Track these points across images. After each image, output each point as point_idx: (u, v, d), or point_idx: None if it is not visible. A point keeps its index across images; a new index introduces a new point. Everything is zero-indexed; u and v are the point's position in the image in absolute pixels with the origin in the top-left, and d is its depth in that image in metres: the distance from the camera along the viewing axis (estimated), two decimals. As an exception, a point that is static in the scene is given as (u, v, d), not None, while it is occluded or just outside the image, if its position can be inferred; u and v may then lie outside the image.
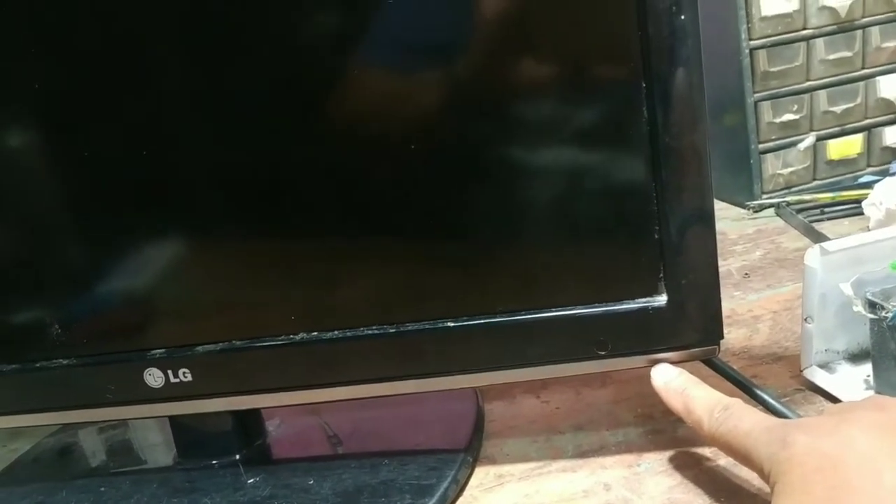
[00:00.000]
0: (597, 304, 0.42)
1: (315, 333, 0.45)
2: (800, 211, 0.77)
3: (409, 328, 0.43)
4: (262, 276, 0.46)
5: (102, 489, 0.50)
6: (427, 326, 0.43)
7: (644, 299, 0.41)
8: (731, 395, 0.40)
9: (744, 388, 0.43)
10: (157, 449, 0.54)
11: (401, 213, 0.43)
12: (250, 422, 0.51)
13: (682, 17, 0.37)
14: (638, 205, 0.40)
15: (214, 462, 0.50)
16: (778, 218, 0.79)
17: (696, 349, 0.42)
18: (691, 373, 0.42)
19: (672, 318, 0.41)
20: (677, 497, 0.40)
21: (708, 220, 0.40)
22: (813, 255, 0.45)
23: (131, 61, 0.42)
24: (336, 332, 0.44)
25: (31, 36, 0.43)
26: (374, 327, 0.44)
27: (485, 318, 0.42)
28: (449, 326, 0.43)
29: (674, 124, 0.38)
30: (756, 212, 0.81)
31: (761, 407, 0.41)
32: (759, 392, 0.42)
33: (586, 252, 0.42)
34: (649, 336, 0.42)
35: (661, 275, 0.41)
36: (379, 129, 0.42)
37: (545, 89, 0.40)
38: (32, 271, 0.47)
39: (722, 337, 0.41)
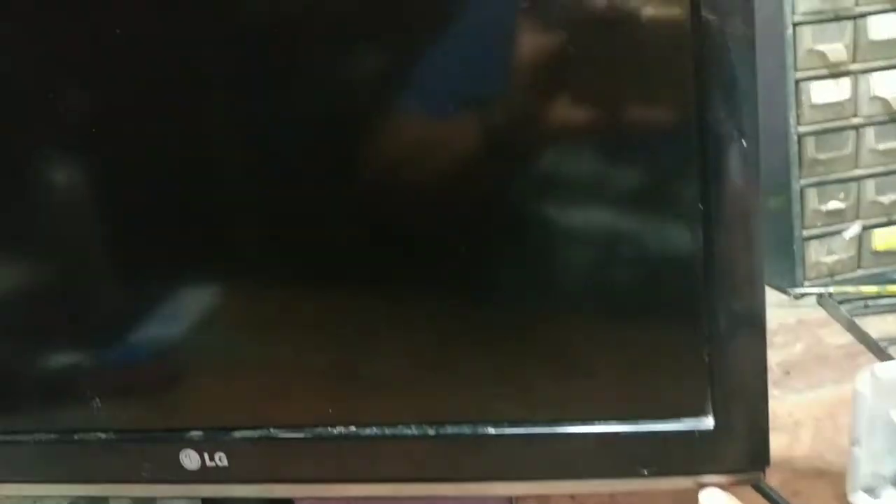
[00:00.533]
0: (641, 421, 0.41)
1: (353, 428, 0.44)
2: (843, 302, 0.76)
3: (449, 431, 0.43)
4: (301, 365, 0.46)
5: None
6: (467, 431, 0.43)
7: (690, 420, 0.40)
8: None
9: None
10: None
11: (436, 281, 0.42)
12: (281, 504, 0.51)
13: (741, 88, 0.36)
14: (687, 322, 0.40)
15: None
16: (820, 308, 0.78)
17: (742, 474, 0.41)
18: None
19: (719, 442, 0.40)
20: None
21: (760, 340, 0.39)
22: (864, 381, 0.44)
23: (177, 110, 0.43)
24: (374, 429, 0.44)
25: (80, 81, 0.43)
26: (412, 427, 0.43)
27: (526, 428, 0.42)
28: (489, 433, 0.42)
29: (730, 236, 0.38)
30: (797, 299, 0.80)
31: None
32: None
33: (631, 369, 0.41)
34: (694, 458, 0.41)
35: (709, 394, 0.40)
36: (413, 181, 0.42)
37: (591, 147, 0.39)
38: (76, 345, 0.48)
39: (768, 463, 0.41)
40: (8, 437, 0.49)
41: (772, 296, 0.82)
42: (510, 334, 0.43)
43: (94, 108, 0.44)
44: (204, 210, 0.44)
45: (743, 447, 0.40)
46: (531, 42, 0.39)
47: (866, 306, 0.75)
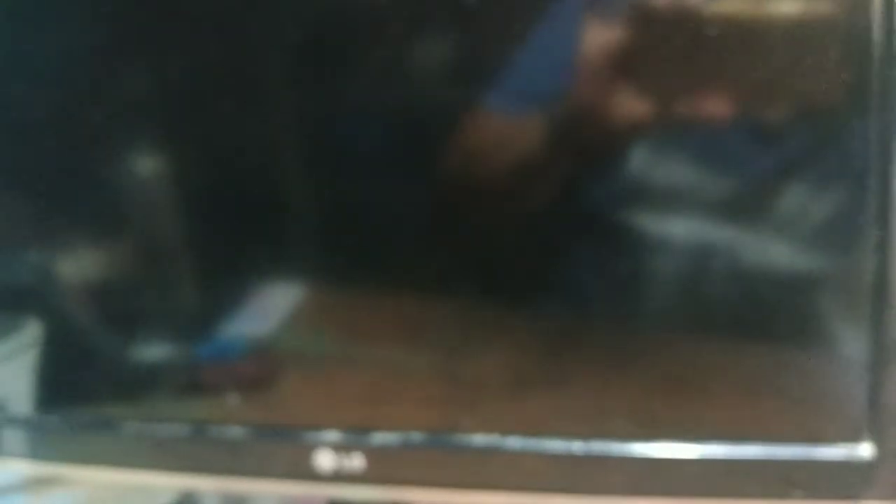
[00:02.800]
0: (798, 444, 0.41)
1: (496, 436, 0.44)
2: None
3: (593, 448, 0.43)
4: (436, 373, 0.46)
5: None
6: (613, 445, 0.43)
7: (845, 445, 0.40)
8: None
9: None
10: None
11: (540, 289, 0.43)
12: (404, 510, 0.51)
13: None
14: (849, 350, 0.39)
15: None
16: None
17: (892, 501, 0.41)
18: None
19: (872, 469, 0.40)
20: None
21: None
22: None
23: (267, 108, 0.44)
24: (517, 439, 0.44)
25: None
26: (557, 440, 0.43)
27: (671, 443, 0.42)
28: (632, 449, 0.42)
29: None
30: None
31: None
32: None
33: (788, 391, 0.41)
34: (846, 483, 0.41)
35: (867, 423, 0.40)
36: (514, 188, 0.42)
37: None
38: (216, 349, 0.48)
39: (923, 492, 0.40)
40: (142, 427, 0.49)
41: None
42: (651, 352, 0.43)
43: (185, 108, 0.45)
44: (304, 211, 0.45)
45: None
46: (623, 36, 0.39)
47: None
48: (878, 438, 0.40)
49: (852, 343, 0.40)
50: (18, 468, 0.56)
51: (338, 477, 0.47)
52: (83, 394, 0.52)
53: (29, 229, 0.51)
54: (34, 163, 0.49)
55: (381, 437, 0.46)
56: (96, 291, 0.51)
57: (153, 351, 0.51)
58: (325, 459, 0.47)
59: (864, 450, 0.40)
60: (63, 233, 0.50)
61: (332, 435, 0.46)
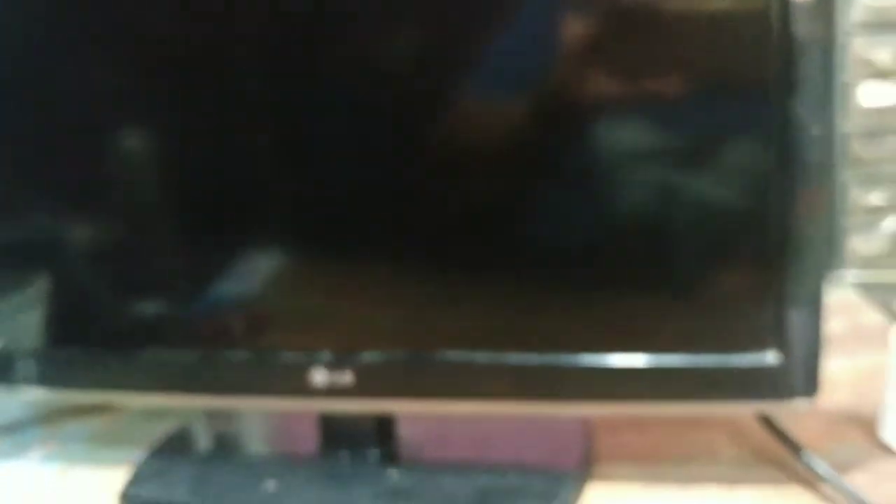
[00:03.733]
0: (719, 354, 0.49)
1: (468, 353, 0.52)
2: (878, 288, 0.83)
3: (545, 359, 0.51)
4: (418, 299, 0.54)
5: (259, 467, 0.58)
6: (566, 357, 0.50)
7: (757, 353, 0.48)
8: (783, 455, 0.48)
9: (795, 450, 0.52)
10: (300, 439, 0.62)
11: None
12: (387, 424, 0.59)
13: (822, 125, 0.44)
14: (758, 264, 0.47)
15: (355, 455, 0.58)
16: (856, 295, 0.85)
17: (795, 399, 0.49)
18: (748, 424, 0.50)
19: (780, 372, 0.48)
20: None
21: (818, 293, 0.47)
22: (899, 333, 0.52)
23: (257, 83, 0.52)
24: (485, 354, 0.52)
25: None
26: (520, 353, 0.51)
27: (622, 354, 0.50)
28: (582, 359, 0.50)
29: (802, 217, 0.46)
30: (837, 284, 0.87)
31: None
32: (807, 456, 0.51)
33: (704, 306, 0.49)
34: (757, 386, 0.49)
35: (774, 332, 0.48)
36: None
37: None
38: (223, 275, 0.56)
39: (816, 389, 0.48)
40: (158, 354, 0.57)
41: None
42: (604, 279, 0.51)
43: (175, 91, 0.54)
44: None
45: (799, 379, 0.48)
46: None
47: (900, 292, 0.82)
48: (782, 348, 0.48)
49: (761, 270, 0.47)
50: (35, 396, 0.63)
51: (331, 392, 0.54)
52: (92, 333, 0.59)
53: (43, 196, 0.58)
54: (46, 136, 0.56)
55: (368, 356, 0.53)
56: (101, 253, 0.58)
57: (153, 304, 0.58)
58: (319, 377, 0.54)
59: (771, 357, 0.48)
60: (75, 201, 0.58)
61: (325, 355, 0.54)
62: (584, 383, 0.51)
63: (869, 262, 0.88)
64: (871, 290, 0.84)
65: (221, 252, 0.55)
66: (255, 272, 0.56)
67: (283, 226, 0.55)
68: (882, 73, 0.82)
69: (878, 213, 0.87)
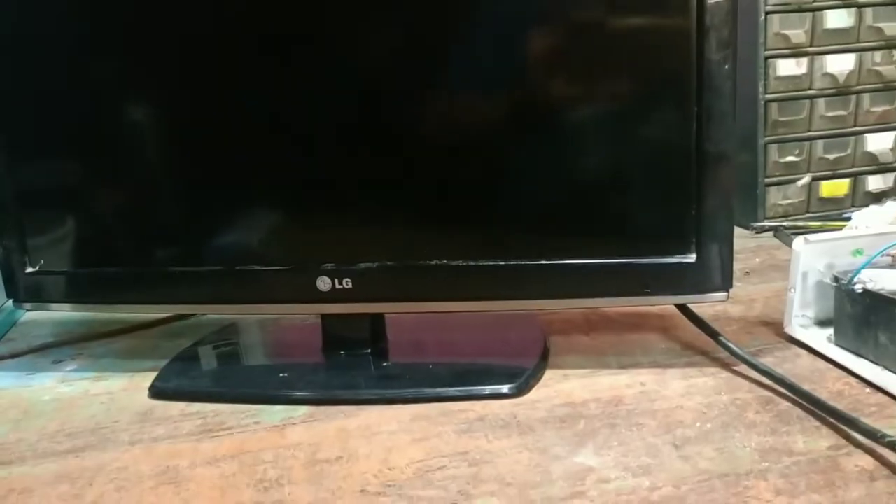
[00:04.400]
0: (648, 257, 0.61)
1: (445, 261, 0.64)
2: (793, 234, 0.96)
3: (505, 263, 0.62)
4: (405, 220, 0.65)
5: (272, 365, 0.69)
6: (528, 263, 0.62)
7: (681, 256, 0.60)
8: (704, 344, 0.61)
9: (713, 336, 0.64)
10: (303, 346, 0.73)
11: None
12: (378, 327, 0.70)
13: (727, 66, 0.57)
14: (682, 191, 0.59)
15: (352, 355, 0.69)
16: (775, 239, 0.98)
17: (715, 293, 0.61)
18: (678, 327, 0.63)
19: (700, 270, 0.60)
20: (693, 389, 0.60)
21: (728, 203, 0.59)
22: (799, 243, 0.65)
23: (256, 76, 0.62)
24: (460, 262, 0.63)
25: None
26: (489, 261, 0.63)
27: (569, 261, 0.62)
28: (541, 264, 0.62)
29: (714, 137, 0.58)
30: (758, 233, 1.00)
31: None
32: (723, 339, 0.63)
33: (642, 221, 0.61)
34: (682, 282, 0.61)
35: (694, 240, 0.60)
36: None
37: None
38: (244, 209, 0.66)
39: (731, 286, 0.61)
40: (187, 269, 0.67)
41: (737, 231, 1.02)
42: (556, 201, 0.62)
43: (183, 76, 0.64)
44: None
45: (715, 275, 0.60)
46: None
47: (811, 236, 0.95)
48: (698, 251, 0.60)
49: (683, 195, 0.59)
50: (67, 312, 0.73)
51: (333, 297, 0.65)
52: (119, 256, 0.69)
53: (71, 150, 0.68)
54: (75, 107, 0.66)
55: (363, 265, 0.64)
56: (102, 191, 0.68)
57: (148, 229, 0.68)
58: (323, 284, 0.65)
59: (691, 258, 0.60)
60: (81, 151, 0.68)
61: (329, 266, 0.65)
62: (543, 284, 0.62)
63: (785, 211, 1.01)
64: (786, 235, 0.97)
65: (235, 190, 0.66)
66: (268, 210, 0.66)
67: (291, 174, 0.65)
68: (796, 48, 0.95)
69: (792, 168, 1.00)
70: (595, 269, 0.61)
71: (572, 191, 0.62)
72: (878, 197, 1.03)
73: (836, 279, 0.62)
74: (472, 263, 0.63)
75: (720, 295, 0.61)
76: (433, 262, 0.64)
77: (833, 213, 1.03)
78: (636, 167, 0.60)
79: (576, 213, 0.62)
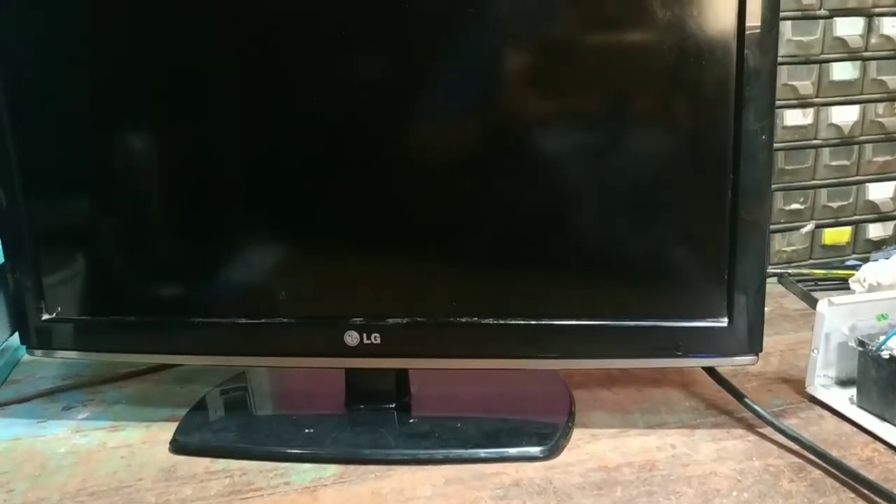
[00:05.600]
0: (679, 320, 0.61)
1: (475, 318, 0.63)
2: (798, 281, 0.98)
3: (544, 323, 0.62)
4: (433, 274, 0.65)
5: (294, 418, 0.68)
6: (559, 323, 0.62)
7: (712, 320, 0.61)
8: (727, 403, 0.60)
9: (738, 397, 0.64)
10: (326, 397, 0.72)
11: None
12: (402, 380, 0.70)
13: (764, 136, 0.57)
14: (715, 256, 0.60)
15: (377, 408, 0.68)
16: (780, 285, 1.00)
17: (743, 357, 0.61)
18: (699, 383, 0.63)
19: (730, 334, 0.61)
20: (724, 453, 0.60)
21: (761, 270, 0.60)
22: (824, 305, 0.65)
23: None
24: (490, 320, 0.63)
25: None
26: (520, 319, 0.63)
27: (600, 321, 0.62)
28: (572, 324, 0.62)
29: (749, 205, 0.58)
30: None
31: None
32: (748, 402, 0.63)
33: (675, 284, 0.61)
34: (712, 344, 0.61)
35: (726, 304, 0.60)
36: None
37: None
38: (272, 260, 0.66)
39: (761, 350, 0.61)
40: (210, 321, 0.66)
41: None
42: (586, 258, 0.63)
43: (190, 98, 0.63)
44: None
45: (745, 339, 0.60)
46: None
47: (816, 284, 0.97)
48: (730, 315, 0.60)
49: (717, 260, 0.60)
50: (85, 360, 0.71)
51: (361, 351, 0.65)
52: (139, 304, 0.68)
53: (82, 190, 0.67)
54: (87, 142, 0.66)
55: (393, 321, 0.64)
56: (124, 235, 0.68)
57: (170, 277, 0.67)
58: (351, 338, 0.64)
59: (723, 322, 0.60)
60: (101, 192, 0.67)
61: (357, 320, 0.64)
62: (573, 343, 0.63)
63: (789, 258, 1.02)
64: (791, 282, 0.98)
65: (262, 242, 0.66)
66: (296, 262, 0.66)
67: (319, 226, 0.65)
68: (803, 98, 0.97)
69: (796, 216, 1.01)
70: (626, 330, 0.61)
71: (606, 252, 0.62)
72: (879, 245, 1.04)
73: (862, 343, 0.63)
74: (503, 322, 0.63)
75: (749, 358, 0.61)
76: (463, 320, 0.63)
77: (835, 259, 1.04)
78: (671, 231, 0.61)
79: (609, 273, 0.62)
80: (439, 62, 0.61)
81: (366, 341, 0.64)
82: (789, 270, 1.00)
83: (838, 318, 0.65)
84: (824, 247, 1.04)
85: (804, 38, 0.95)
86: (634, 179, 0.61)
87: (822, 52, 0.97)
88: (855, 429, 0.63)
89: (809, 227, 1.03)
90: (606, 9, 0.58)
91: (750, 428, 0.64)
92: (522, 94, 0.60)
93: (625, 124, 0.60)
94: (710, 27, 0.56)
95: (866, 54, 0.98)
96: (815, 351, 0.66)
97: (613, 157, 0.61)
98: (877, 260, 0.93)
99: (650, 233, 0.61)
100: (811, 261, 1.05)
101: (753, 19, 0.55)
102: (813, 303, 0.89)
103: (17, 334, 0.72)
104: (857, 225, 1.04)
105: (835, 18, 0.96)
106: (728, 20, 0.55)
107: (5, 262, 0.68)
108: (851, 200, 1.03)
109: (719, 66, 0.56)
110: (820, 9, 0.95)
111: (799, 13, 0.95)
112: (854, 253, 1.05)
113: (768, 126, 0.57)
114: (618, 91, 0.59)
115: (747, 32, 0.55)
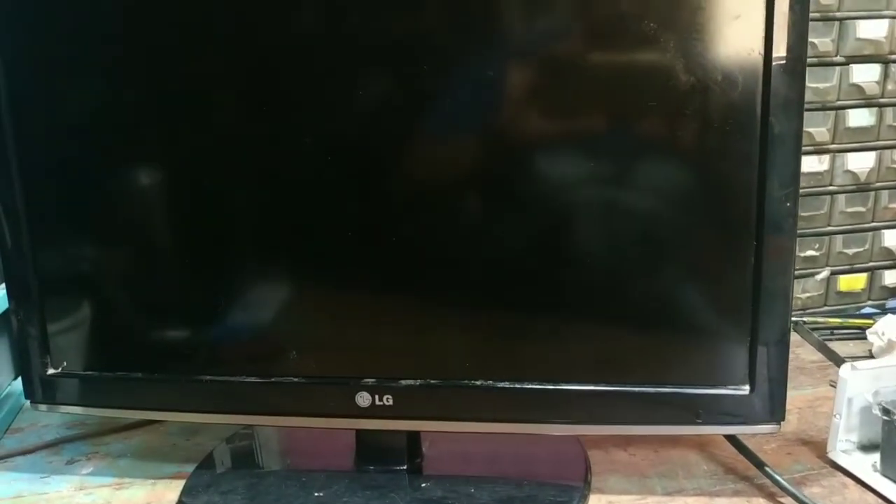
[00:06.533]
0: (700, 387, 0.60)
1: (490, 381, 0.62)
2: (814, 329, 0.96)
3: (562, 388, 0.61)
4: (448, 334, 0.63)
5: (303, 479, 0.66)
6: (577, 388, 0.61)
7: (734, 387, 0.59)
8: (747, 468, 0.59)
9: (758, 465, 0.63)
10: (335, 456, 0.70)
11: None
12: (414, 442, 0.68)
13: (789, 203, 0.56)
14: (738, 324, 0.58)
15: (388, 469, 0.67)
16: (796, 333, 0.98)
17: (765, 425, 0.60)
18: (717, 443, 0.61)
19: (752, 403, 0.59)
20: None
21: (785, 338, 0.58)
22: (846, 370, 0.64)
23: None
24: (506, 383, 0.62)
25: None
26: (537, 383, 0.61)
27: (619, 387, 0.60)
28: (590, 389, 0.61)
29: (773, 272, 0.57)
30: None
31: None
32: (769, 471, 0.62)
33: (695, 351, 0.60)
34: (734, 412, 0.60)
35: (748, 372, 0.59)
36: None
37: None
38: (282, 316, 0.65)
39: (784, 419, 0.60)
40: (219, 378, 0.65)
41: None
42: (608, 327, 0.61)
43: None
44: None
45: (767, 407, 0.59)
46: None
47: (832, 333, 0.95)
48: (752, 383, 0.59)
49: (739, 326, 0.59)
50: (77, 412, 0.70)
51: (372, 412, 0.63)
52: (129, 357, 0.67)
53: (83, 236, 0.66)
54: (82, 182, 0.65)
55: (405, 382, 0.63)
56: (132, 285, 0.66)
57: (175, 327, 0.66)
58: (363, 399, 0.63)
59: (745, 390, 0.59)
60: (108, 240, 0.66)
61: (369, 381, 0.63)
62: (591, 409, 0.61)
63: (804, 304, 1.01)
64: (807, 331, 0.97)
65: (259, 286, 0.64)
66: (306, 319, 0.64)
67: (331, 284, 0.64)
68: (819, 145, 0.96)
69: (811, 262, 1.00)
70: (645, 397, 0.60)
71: (625, 315, 0.60)
72: (894, 291, 1.03)
73: (887, 412, 0.62)
74: (518, 386, 0.61)
75: (771, 427, 0.60)
76: (478, 382, 0.62)
77: (850, 306, 1.03)
78: (693, 296, 0.59)
79: (628, 338, 0.61)
80: (462, 103, 0.59)
81: (378, 403, 0.63)
82: (805, 318, 0.99)
83: (861, 384, 0.64)
84: (840, 293, 1.03)
85: (820, 85, 0.94)
86: (655, 240, 0.59)
87: (838, 99, 0.96)
88: (879, 500, 0.61)
89: (825, 273, 1.02)
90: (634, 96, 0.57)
91: (771, 497, 0.63)
92: (540, 150, 0.59)
93: (645, 183, 0.59)
94: (735, 93, 0.54)
95: (883, 101, 0.97)
96: (838, 417, 0.65)
97: (634, 216, 0.59)
98: (894, 308, 0.92)
99: (670, 296, 0.60)
100: (826, 307, 1.03)
101: (779, 86, 0.54)
102: (830, 354, 0.88)
103: (20, 379, 0.70)
104: (873, 271, 1.03)
105: (851, 65, 0.95)
106: (753, 86, 0.54)
107: (9, 306, 0.67)
108: (867, 247, 1.02)
109: (744, 132, 0.55)
110: (836, 55, 0.94)
111: (815, 59, 0.94)
112: (870, 299, 1.04)
113: (793, 193, 0.56)
114: (643, 147, 0.58)
115: (772, 101, 0.54)
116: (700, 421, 0.60)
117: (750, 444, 0.66)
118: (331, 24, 0.59)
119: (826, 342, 0.92)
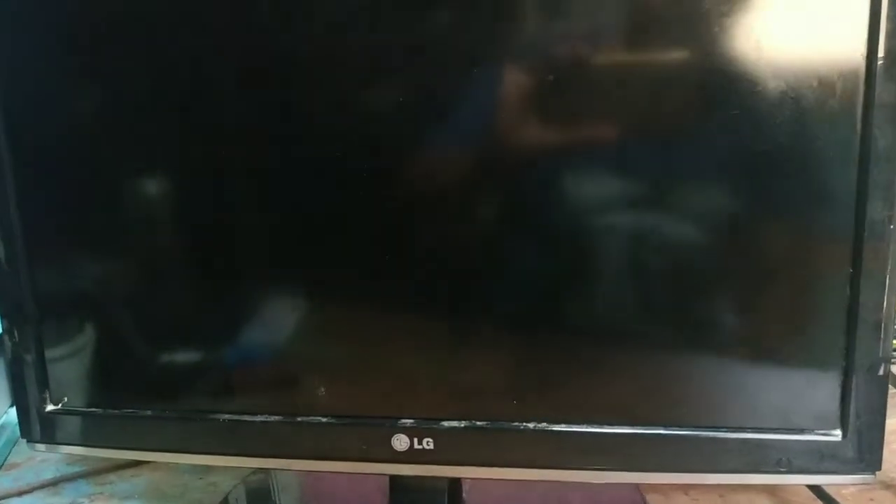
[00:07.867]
0: (785, 433, 0.53)
1: (543, 424, 0.55)
2: None
3: (625, 432, 0.54)
4: (493, 369, 0.56)
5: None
6: (642, 431, 0.54)
7: (824, 433, 0.52)
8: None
9: None
10: (366, 500, 0.64)
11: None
12: (455, 491, 0.61)
13: (892, 226, 0.49)
14: (830, 362, 0.52)
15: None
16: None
17: (858, 475, 0.53)
18: (787, 488, 0.56)
19: (843, 451, 0.52)
20: None
21: (883, 376, 0.51)
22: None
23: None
24: (563, 426, 0.55)
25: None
26: (595, 427, 0.54)
27: (692, 432, 0.53)
28: (659, 433, 0.54)
29: (870, 304, 0.50)
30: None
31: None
32: None
33: (782, 393, 0.53)
34: (822, 461, 0.53)
35: (840, 416, 0.52)
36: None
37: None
38: (309, 347, 0.58)
39: (880, 467, 0.53)
40: (238, 418, 0.58)
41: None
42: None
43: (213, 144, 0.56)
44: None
45: (860, 456, 0.52)
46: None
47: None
48: (844, 428, 0.52)
49: (831, 365, 0.52)
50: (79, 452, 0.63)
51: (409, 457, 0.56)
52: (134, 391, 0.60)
53: (82, 255, 0.60)
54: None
55: (448, 424, 0.56)
56: (138, 309, 0.60)
57: (188, 356, 0.60)
58: (399, 442, 0.56)
59: (836, 435, 0.52)
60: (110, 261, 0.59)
61: (407, 422, 0.56)
62: (660, 455, 0.54)
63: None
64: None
65: (281, 310, 0.58)
66: (337, 354, 0.58)
67: (363, 318, 0.57)
68: None
69: None
70: (715, 442, 0.53)
71: (703, 357, 0.54)
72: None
73: None
74: (575, 429, 0.54)
75: (865, 477, 0.53)
76: (531, 425, 0.55)
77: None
78: (780, 333, 0.52)
79: (706, 379, 0.54)
80: (488, 129, 0.53)
81: (416, 446, 0.56)
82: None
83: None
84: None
85: None
86: (729, 263, 0.52)
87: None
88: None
89: None
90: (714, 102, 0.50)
91: (856, 551, 0.55)
92: (607, 167, 0.52)
93: (723, 201, 0.52)
94: (834, 102, 0.48)
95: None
96: (933, 463, 0.58)
97: (709, 237, 0.52)
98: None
99: (754, 334, 0.53)
100: None
101: (884, 92, 0.47)
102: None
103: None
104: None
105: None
106: (854, 92, 0.47)
107: (3, 326, 0.61)
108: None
109: (842, 144, 0.48)
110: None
111: None
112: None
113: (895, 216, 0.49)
114: (723, 162, 0.51)
115: (876, 108, 0.47)
116: (783, 469, 0.53)
117: (829, 489, 0.59)
118: (352, 29, 0.53)
119: None
